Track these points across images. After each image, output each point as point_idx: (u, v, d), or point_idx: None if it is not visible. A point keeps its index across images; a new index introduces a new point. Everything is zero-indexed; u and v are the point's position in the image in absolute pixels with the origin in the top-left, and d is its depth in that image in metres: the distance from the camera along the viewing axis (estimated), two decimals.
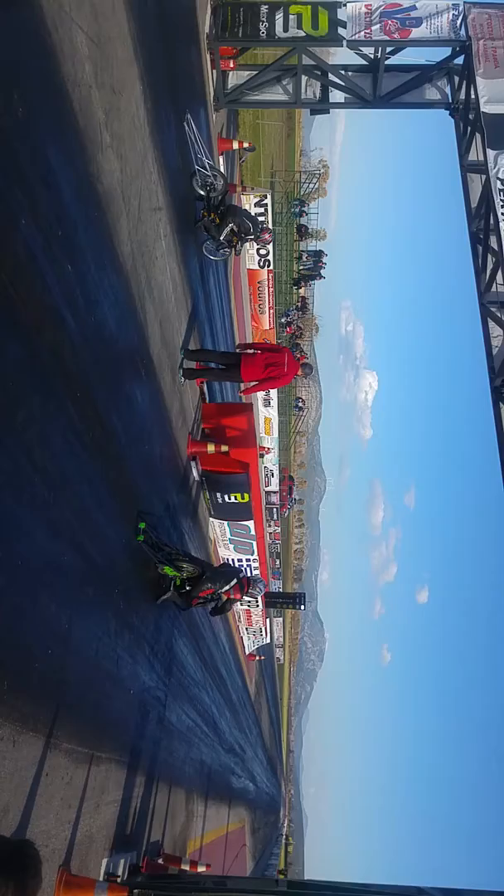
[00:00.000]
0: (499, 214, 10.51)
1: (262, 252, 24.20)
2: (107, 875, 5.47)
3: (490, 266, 11.24)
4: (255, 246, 23.16)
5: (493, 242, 10.84)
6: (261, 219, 22.85)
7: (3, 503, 3.66)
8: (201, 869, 8.30)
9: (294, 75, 12.95)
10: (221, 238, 10.02)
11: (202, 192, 9.62)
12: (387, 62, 12.50)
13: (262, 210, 22.91)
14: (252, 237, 10.53)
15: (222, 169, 14.50)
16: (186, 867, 7.93)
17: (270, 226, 23.65)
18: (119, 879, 5.56)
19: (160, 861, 7.27)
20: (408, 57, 12.90)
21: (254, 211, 22.77)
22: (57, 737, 4.31)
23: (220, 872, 13.14)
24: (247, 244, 10.88)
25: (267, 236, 12.06)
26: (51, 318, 4.30)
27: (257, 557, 14.63)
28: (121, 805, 5.98)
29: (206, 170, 9.56)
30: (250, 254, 24.08)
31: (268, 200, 23.04)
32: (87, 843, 5.03)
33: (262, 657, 33.55)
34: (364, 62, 12.87)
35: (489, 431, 10.72)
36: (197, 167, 9.51)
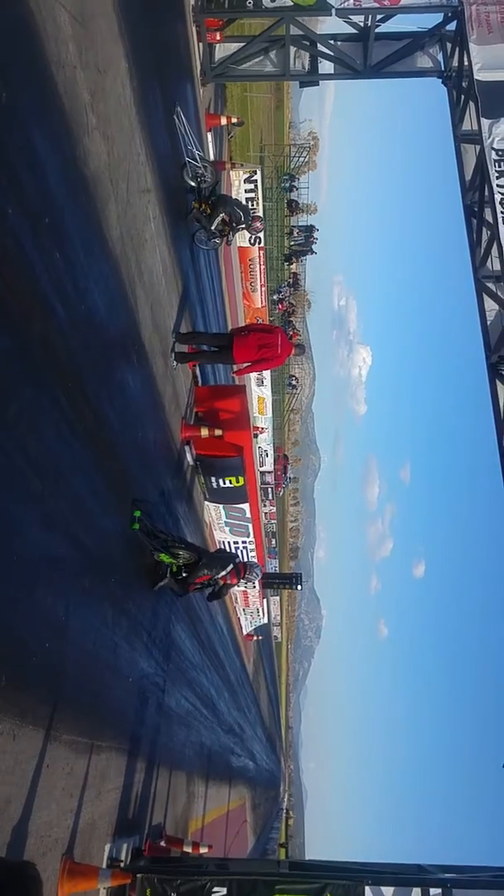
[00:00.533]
0: (494, 186, 10.21)
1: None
2: (110, 860, 5.51)
3: (485, 240, 10.97)
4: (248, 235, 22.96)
5: (487, 215, 10.61)
6: (251, 195, 22.70)
7: None
8: (203, 850, 8.37)
9: (282, 46, 12.64)
10: (213, 228, 10.02)
11: (193, 184, 9.62)
12: (377, 30, 12.17)
13: (251, 186, 22.66)
14: (243, 226, 10.55)
15: (211, 147, 14.35)
16: (189, 848, 7.99)
17: (260, 201, 23.42)
18: (122, 864, 5.60)
19: (163, 843, 7.33)
20: (398, 24, 12.52)
21: (243, 187, 22.54)
22: (57, 728, 4.31)
23: (221, 851, 13.31)
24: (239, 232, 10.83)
25: (258, 225, 12.07)
26: (40, 308, 4.22)
27: (253, 539, 14.62)
28: (122, 791, 6.01)
29: (197, 161, 9.58)
30: (241, 231, 23.84)
31: (257, 176, 22.77)
32: (89, 830, 5.06)
33: (260, 637, 33.75)
34: (354, 31, 12.55)
35: (484, 405, 10.67)
36: (187, 159, 9.52)
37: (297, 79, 13.39)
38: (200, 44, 12.38)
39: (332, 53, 12.62)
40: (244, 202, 22.68)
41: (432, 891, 5.45)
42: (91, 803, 5.08)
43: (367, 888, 5.34)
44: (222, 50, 12.88)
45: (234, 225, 10.21)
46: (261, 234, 24.54)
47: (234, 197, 16.45)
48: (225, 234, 10.40)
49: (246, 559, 10.61)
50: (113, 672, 5.90)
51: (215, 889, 5.30)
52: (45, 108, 4.48)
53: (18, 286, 3.88)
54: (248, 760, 24.36)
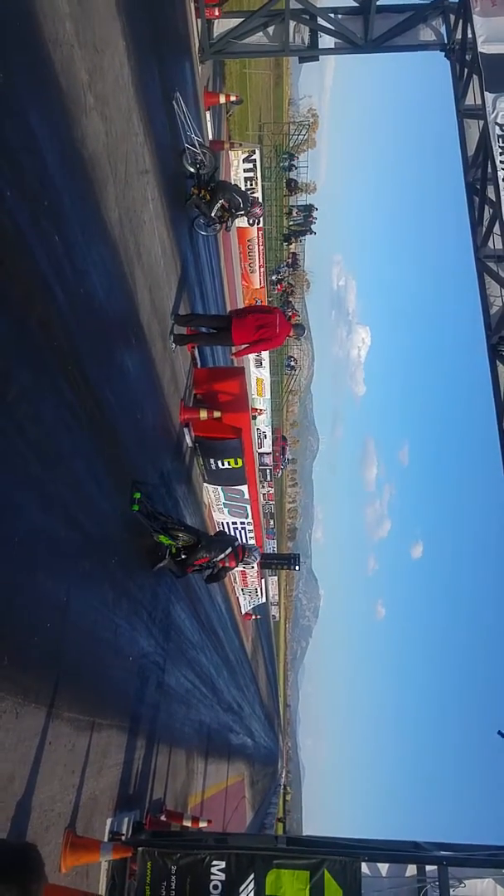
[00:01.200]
0: (497, 162, 10.04)
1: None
2: (111, 833, 5.62)
3: (487, 218, 10.78)
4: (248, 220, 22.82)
5: (490, 193, 10.42)
6: (249, 174, 22.50)
7: None
8: (203, 824, 8.51)
9: (282, 21, 12.42)
10: (212, 214, 10.07)
11: (192, 170, 9.66)
12: (378, 3, 11.94)
13: (250, 166, 22.45)
14: (242, 212, 10.58)
15: (210, 125, 14.21)
16: (188, 823, 8.13)
17: (259, 181, 23.22)
18: (123, 837, 5.71)
19: (163, 818, 7.46)
20: None
21: (242, 167, 22.34)
22: (58, 706, 4.39)
23: (221, 825, 13.51)
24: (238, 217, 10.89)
25: (258, 210, 12.11)
26: (39, 291, 4.23)
27: (251, 520, 14.70)
28: (123, 767, 6.12)
29: (196, 148, 9.59)
30: (240, 216, 23.65)
31: (256, 156, 22.56)
32: (91, 804, 5.16)
33: (258, 616, 33.98)
34: (354, 4, 12.29)
35: (484, 386, 10.67)
36: (187, 145, 9.52)
37: (297, 54, 13.17)
38: (198, 20, 12.20)
39: (332, 27, 12.42)
40: (243, 185, 22.55)
41: (428, 868, 5.56)
42: (93, 779, 5.17)
43: (363, 864, 5.46)
44: (221, 26, 12.69)
45: (234, 211, 10.26)
46: (260, 219, 24.38)
47: (233, 182, 16.39)
48: (224, 220, 10.44)
49: (245, 542, 10.67)
50: (113, 651, 5.97)
51: (214, 863, 5.42)
52: (43, 88, 4.44)
53: (17, 269, 3.89)
54: (246, 738, 24.63)
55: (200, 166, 9.69)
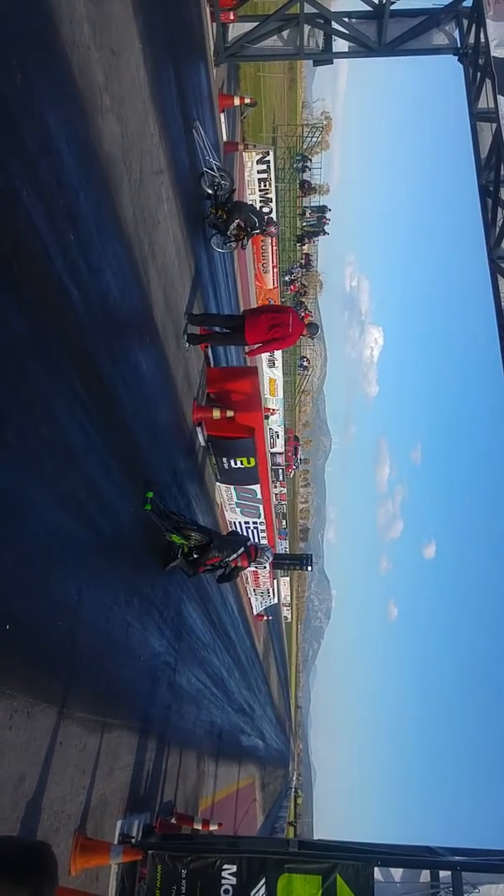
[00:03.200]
0: None
1: (265, 210, 23.79)
2: (121, 836, 5.60)
3: (500, 220, 10.77)
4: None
5: (503, 194, 10.46)
6: (263, 175, 22.51)
7: (11, 478, 3.65)
8: (213, 827, 8.48)
9: (296, 25, 12.48)
10: (228, 233, 10.39)
11: (210, 191, 10.06)
12: (392, 7, 11.98)
13: (264, 167, 22.46)
14: (258, 231, 10.87)
15: (224, 127, 14.26)
16: (198, 826, 8.10)
17: (273, 182, 23.22)
18: (133, 840, 5.68)
19: (173, 821, 7.43)
20: (414, 1, 12.43)
21: (256, 168, 22.35)
22: (70, 706, 4.37)
23: (231, 829, 13.46)
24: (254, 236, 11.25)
25: (273, 230, 12.44)
26: (54, 290, 4.23)
27: (264, 520, 14.67)
28: (133, 769, 6.09)
29: (214, 171, 10.05)
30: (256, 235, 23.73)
31: (270, 157, 22.57)
32: (101, 806, 5.14)
33: (270, 617, 33.94)
34: (368, 8, 12.34)
35: (498, 387, 10.62)
36: (205, 169, 9.95)
37: (311, 57, 13.20)
38: (214, 24, 12.24)
39: (346, 31, 12.43)
40: (257, 187, 22.60)
41: (442, 873, 5.50)
42: (103, 780, 5.15)
43: (376, 869, 5.40)
44: (236, 29, 12.73)
45: (249, 230, 10.57)
46: (273, 215, 24.35)
47: (249, 203, 16.62)
48: (240, 239, 10.73)
49: (257, 542, 10.65)
50: (125, 651, 5.96)
51: (225, 866, 5.39)
52: (60, 89, 4.46)
53: (33, 267, 3.88)
54: (257, 739, 24.58)
55: (218, 188, 10.09)
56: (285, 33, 12.77)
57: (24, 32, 3.85)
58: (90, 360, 4.93)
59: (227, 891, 5.33)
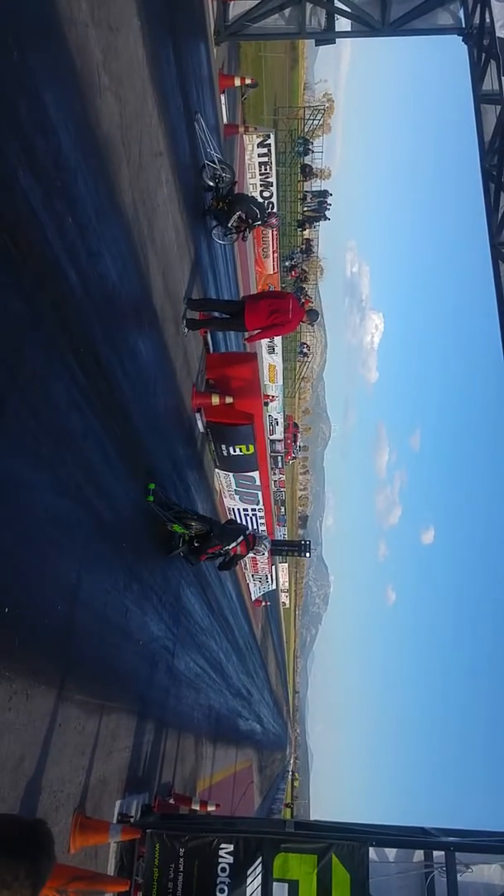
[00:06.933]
0: None
1: (266, 195, 23.63)
2: (120, 815, 5.65)
3: (503, 205, 10.72)
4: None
5: None
6: (264, 159, 22.35)
7: (10, 462, 3.65)
8: (211, 808, 8.57)
9: (298, 3, 12.31)
10: (229, 225, 10.39)
11: (211, 184, 10.09)
12: None
13: (265, 151, 22.30)
14: (259, 223, 10.86)
15: (224, 108, 14.14)
16: (196, 807, 8.18)
17: (274, 166, 23.05)
18: (132, 820, 5.74)
19: (171, 801, 7.50)
20: None
21: (257, 152, 22.20)
22: (68, 689, 4.40)
23: (229, 810, 13.58)
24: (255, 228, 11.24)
25: (274, 221, 12.56)
26: (52, 274, 4.20)
27: (262, 507, 14.70)
28: (132, 751, 6.14)
29: (215, 163, 10.12)
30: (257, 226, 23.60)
31: (271, 140, 22.40)
32: (100, 786, 5.18)
33: (268, 602, 34.05)
34: None
35: (497, 374, 10.61)
36: (206, 161, 9.98)
37: (313, 37, 13.05)
38: (214, 2, 12.10)
39: (349, 10, 12.27)
40: (257, 170, 22.45)
41: (435, 853, 5.55)
42: (102, 761, 5.19)
43: (370, 849, 5.46)
44: (237, 8, 12.58)
45: (251, 222, 10.54)
46: (274, 199, 24.19)
47: (250, 194, 16.56)
48: (241, 230, 10.72)
49: (255, 531, 10.72)
50: (123, 635, 5.99)
51: (222, 846, 5.45)
52: (57, 67, 4.40)
53: (31, 251, 3.86)
54: (255, 723, 24.75)
55: (219, 181, 10.13)
56: (287, 12, 12.59)
57: (21, 8, 3.79)
58: (89, 345, 4.90)
59: (223, 869, 5.39)
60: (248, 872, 5.38)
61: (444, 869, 5.43)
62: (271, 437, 35.68)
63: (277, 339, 29.92)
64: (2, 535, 3.54)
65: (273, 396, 32.82)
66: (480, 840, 5.81)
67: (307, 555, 32.95)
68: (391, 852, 5.61)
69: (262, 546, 8.64)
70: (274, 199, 24.33)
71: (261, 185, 23.20)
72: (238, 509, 14.54)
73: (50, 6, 4.24)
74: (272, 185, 23.83)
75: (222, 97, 14.18)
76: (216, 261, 12.75)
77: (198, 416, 10.11)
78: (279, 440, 41.15)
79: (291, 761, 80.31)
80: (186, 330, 8.90)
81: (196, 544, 7.66)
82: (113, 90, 5.52)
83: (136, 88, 6.31)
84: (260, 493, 14.17)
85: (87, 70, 4.91)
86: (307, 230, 42.22)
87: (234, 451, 11.36)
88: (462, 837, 5.86)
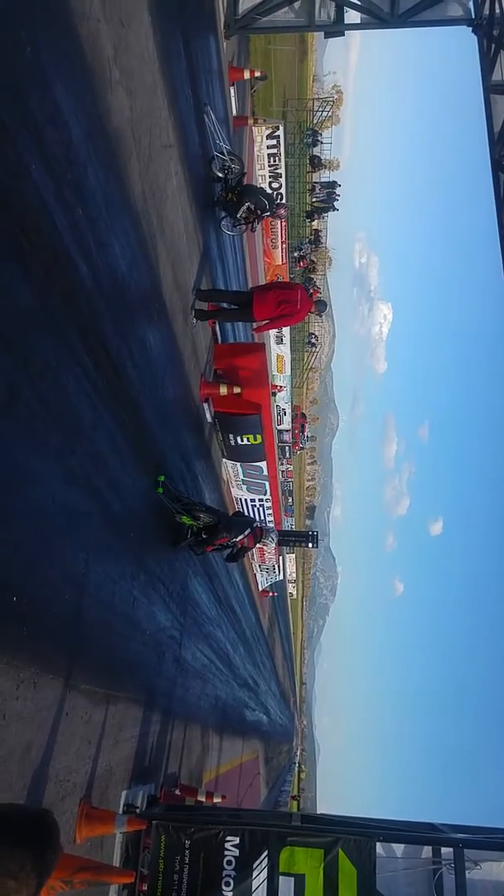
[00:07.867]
0: None
1: (275, 186, 23.53)
2: (126, 806, 5.67)
3: None
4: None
5: None
6: (273, 150, 22.26)
7: (20, 452, 3.66)
8: (217, 799, 8.59)
9: None
10: (238, 216, 10.41)
11: (220, 175, 10.12)
12: None
13: (274, 142, 22.21)
14: (268, 214, 10.94)
15: (234, 101, 14.10)
16: (202, 798, 8.21)
17: (283, 157, 22.95)
18: (138, 810, 5.76)
19: (177, 792, 7.52)
20: None
21: (266, 143, 22.11)
22: (75, 678, 4.42)
23: (235, 801, 13.64)
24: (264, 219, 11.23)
25: (282, 212, 12.58)
26: (62, 264, 4.21)
27: (270, 497, 14.70)
28: (138, 740, 6.17)
29: (224, 155, 10.15)
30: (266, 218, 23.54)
31: (280, 132, 22.30)
32: (106, 776, 5.21)
33: (275, 593, 34.08)
34: None
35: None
36: (215, 153, 10.00)
37: (323, 29, 13.00)
38: None
39: (358, 2, 12.20)
40: (266, 162, 22.36)
41: (444, 850, 5.52)
42: (108, 751, 5.22)
43: (378, 844, 5.44)
44: (246, 1, 12.51)
45: (259, 213, 10.58)
46: (282, 191, 24.09)
47: (259, 186, 16.51)
48: (250, 222, 10.76)
49: (263, 524, 10.75)
50: (131, 625, 6.01)
51: (228, 838, 5.45)
52: (69, 62, 4.41)
53: (41, 242, 3.86)
54: (262, 714, 24.82)
55: (228, 172, 10.15)
56: (297, 5, 12.56)
57: (33, 4, 3.80)
58: (98, 335, 4.91)
59: (229, 862, 5.39)
60: (255, 866, 5.36)
61: (453, 866, 5.39)
62: (279, 428, 35.64)
63: (286, 330, 29.86)
64: (10, 524, 3.55)
65: (281, 386, 32.76)
66: (490, 837, 5.75)
67: (314, 546, 32.92)
68: (399, 848, 5.58)
69: (269, 539, 8.66)
70: (283, 191, 24.23)
71: (270, 177, 23.11)
72: (245, 499, 14.55)
73: (62, 2, 4.25)
74: (281, 177, 23.74)
75: (232, 90, 14.13)
76: (225, 252, 12.71)
77: (206, 406, 10.11)
78: (287, 430, 41.09)
79: (298, 753, 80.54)
80: (195, 320, 8.89)
81: (204, 536, 7.70)
82: (124, 84, 5.51)
83: (146, 82, 6.30)
84: (267, 484, 14.17)
85: (99, 64, 4.91)
86: (316, 221, 42.05)
87: (242, 441, 11.36)
88: (472, 834, 5.80)
